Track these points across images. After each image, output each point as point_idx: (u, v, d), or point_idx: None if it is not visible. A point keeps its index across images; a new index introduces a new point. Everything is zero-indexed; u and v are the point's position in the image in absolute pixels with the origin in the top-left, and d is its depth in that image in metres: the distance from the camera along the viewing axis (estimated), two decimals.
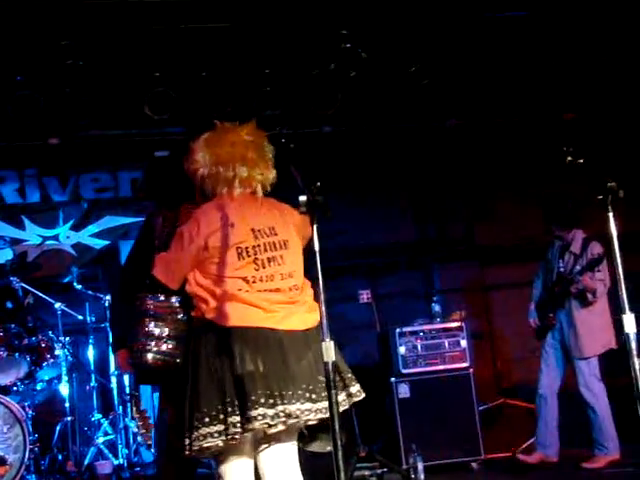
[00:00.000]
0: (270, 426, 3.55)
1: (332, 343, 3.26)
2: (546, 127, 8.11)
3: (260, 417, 3.50)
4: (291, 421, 3.58)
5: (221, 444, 3.57)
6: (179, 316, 3.86)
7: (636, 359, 3.32)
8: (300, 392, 3.59)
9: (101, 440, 6.96)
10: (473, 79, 7.61)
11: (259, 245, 3.78)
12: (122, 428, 6.96)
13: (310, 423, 3.71)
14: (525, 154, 8.39)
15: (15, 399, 6.49)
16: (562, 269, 6.60)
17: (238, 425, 3.53)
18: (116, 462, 6.81)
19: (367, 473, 6.46)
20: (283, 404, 3.54)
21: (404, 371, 6.99)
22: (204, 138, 3.95)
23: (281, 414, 3.53)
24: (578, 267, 6.48)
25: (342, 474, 3.14)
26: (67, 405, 6.93)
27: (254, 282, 3.72)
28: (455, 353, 7.05)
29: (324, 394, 3.58)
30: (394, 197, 8.54)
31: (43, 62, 6.93)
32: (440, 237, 8.67)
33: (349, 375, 3.86)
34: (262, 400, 3.52)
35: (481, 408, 7.02)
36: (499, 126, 8.27)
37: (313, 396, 3.63)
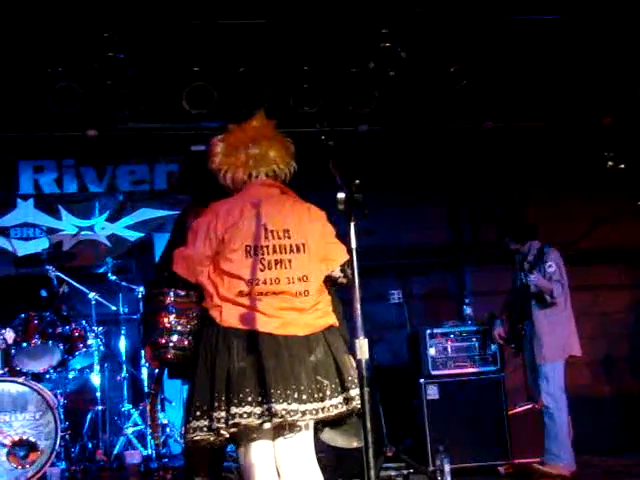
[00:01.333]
0: (261, 423, 3.58)
1: (366, 341, 3.25)
2: (584, 131, 8.05)
3: (246, 415, 3.55)
4: (276, 420, 3.58)
5: (212, 439, 3.63)
6: (196, 312, 3.89)
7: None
8: (289, 392, 3.59)
9: (130, 430, 7.00)
10: (511, 82, 7.57)
11: (267, 246, 3.79)
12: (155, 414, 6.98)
13: (299, 423, 3.72)
14: (562, 158, 8.34)
15: (48, 386, 6.57)
16: (522, 280, 6.56)
17: (222, 421, 3.57)
18: (145, 452, 6.84)
19: (393, 473, 6.46)
20: (270, 403, 3.55)
21: (434, 372, 6.99)
22: (219, 135, 4.03)
23: (266, 412, 3.56)
24: (534, 274, 6.44)
25: (372, 471, 3.14)
26: (98, 394, 6.98)
27: (257, 284, 3.73)
28: (485, 356, 7.03)
29: (317, 395, 3.65)
30: (428, 198, 8.52)
31: (84, 54, 6.99)
32: (474, 239, 8.63)
33: (350, 378, 3.80)
34: (249, 398, 3.56)
35: (510, 412, 6.99)
36: (536, 130, 8.22)
37: (303, 397, 3.63)
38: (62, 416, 6.41)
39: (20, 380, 6.35)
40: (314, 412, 3.65)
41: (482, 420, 6.87)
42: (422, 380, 6.97)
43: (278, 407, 3.56)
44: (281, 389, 3.59)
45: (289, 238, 3.84)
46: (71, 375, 7.00)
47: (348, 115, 7.55)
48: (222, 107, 7.35)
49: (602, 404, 8.00)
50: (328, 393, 3.70)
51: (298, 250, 3.84)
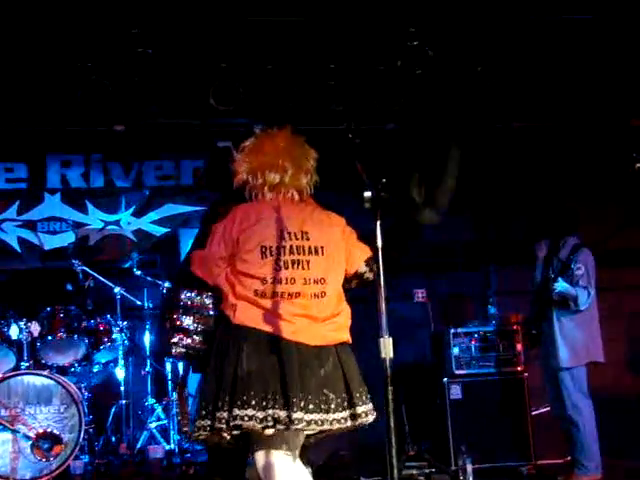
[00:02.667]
0: (264, 428, 3.57)
1: (390, 340, 3.26)
2: (613, 132, 8.00)
3: (247, 418, 3.54)
4: (279, 427, 3.58)
5: (216, 439, 3.67)
6: (210, 312, 3.92)
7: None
8: (295, 400, 3.58)
9: (154, 425, 7.03)
10: (539, 82, 7.53)
11: (285, 246, 3.79)
12: (175, 414, 7.01)
13: (307, 433, 3.74)
14: (589, 159, 8.29)
15: (72, 380, 6.63)
16: (547, 276, 6.46)
17: (223, 421, 3.57)
18: (168, 447, 6.87)
19: (415, 472, 6.46)
20: (275, 409, 3.55)
21: (457, 372, 6.97)
22: (243, 147, 4.04)
23: (269, 418, 3.55)
24: (563, 276, 6.35)
25: (395, 470, 3.15)
26: (122, 388, 7.01)
27: (272, 283, 3.73)
28: (509, 356, 7.00)
29: (323, 406, 3.65)
30: (454, 197, 8.48)
31: (113, 49, 7.02)
32: (498, 238, 8.59)
33: (358, 395, 3.81)
34: (253, 402, 3.56)
35: (533, 413, 6.96)
36: (563, 130, 8.17)
37: (310, 406, 3.62)
38: (86, 410, 6.47)
39: (45, 373, 6.41)
40: (319, 423, 3.65)
41: (505, 420, 6.85)
42: (445, 380, 6.95)
43: (282, 414, 3.56)
44: (288, 396, 3.58)
45: (307, 240, 3.86)
46: (95, 369, 7.05)
47: (375, 113, 7.54)
48: (249, 104, 7.37)
49: (627, 405, 7.93)
50: (333, 406, 3.70)
51: (316, 252, 3.85)
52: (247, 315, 3.71)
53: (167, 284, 7.10)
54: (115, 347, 7.01)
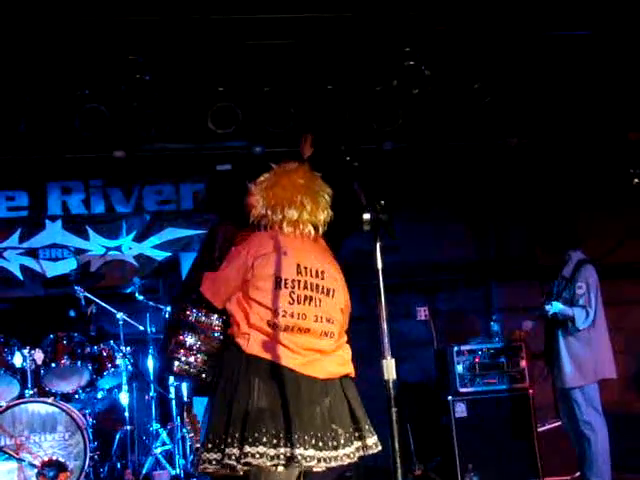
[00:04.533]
0: (274, 466, 3.57)
1: (393, 361, 3.25)
2: (610, 147, 8.02)
3: (258, 455, 3.53)
4: (292, 465, 3.58)
5: (222, 471, 3.63)
6: (216, 334, 3.92)
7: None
8: (307, 438, 3.59)
9: (159, 450, 7.00)
10: (536, 98, 7.55)
11: (300, 281, 3.82)
12: (180, 439, 6.98)
13: (315, 470, 3.72)
14: (588, 174, 8.30)
15: (76, 407, 6.62)
16: (549, 294, 6.50)
17: (233, 458, 3.56)
18: (173, 472, 6.84)
19: None
20: (286, 447, 3.55)
21: (461, 390, 6.96)
22: (260, 181, 4.06)
23: (281, 456, 3.54)
24: (566, 292, 6.36)
25: None
26: (126, 414, 6.99)
27: (284, 316, 3.74)
28: (514, 373, 6.99)
29: (331, 443, 3.66)
30: (454, 214, 8.50)
31: (111, 76, 7.06)
32: (500, 256, 8.60)
33: (367, 427, 3.84)
34: (264, 439, 3.55)
35: (540, 429, 6.94)
36: (561, 145, 8.19)
37: (320, 444, 3.63)
38: (91, 436, 6.44)
39: (49, 400, 6.39)
40: (328, 460, 3.65)
41: (511, 437, 6.83)
42: (450, 397, 6.94)
43: (296, 452, 3.55)
44: (300, 434, 3.58)
45: (322, 279, 3.89)
46: (100, 395, 7.04)
47: (372, 133, 7.56)
48: (247, 127, 7.39)
49: (633, 420, 7.91)
50: (342, 442, 3.71)
51: (328, 294, 3.89)
52: (259, 346, 3.71)
53: (169, 308, 7.11)
54: (119, 373, 7.00)
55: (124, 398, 7.00)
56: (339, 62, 7.16)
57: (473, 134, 7.82)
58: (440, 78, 7.30)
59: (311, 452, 3.58)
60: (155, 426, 7.13)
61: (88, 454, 6.23)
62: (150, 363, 7.28)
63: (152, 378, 7.26)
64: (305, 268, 3.85)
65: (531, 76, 7.45)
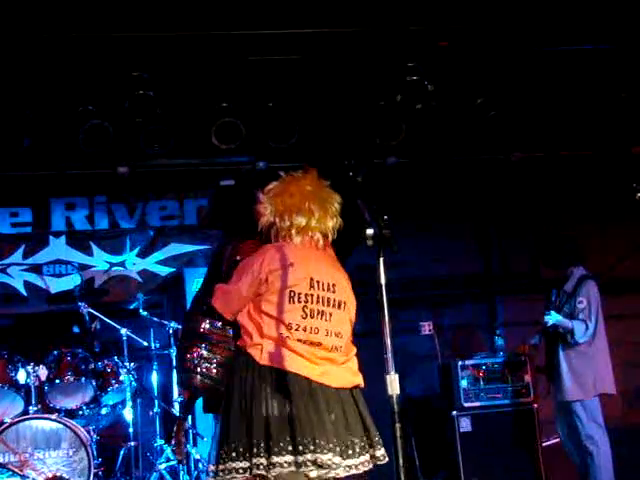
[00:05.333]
0: (302, 473, 3.56)
1: (397, 377, 3.25)
2: (614, 161, 8.02)
3: (286, 464, 3.53)
4: (321, 471, 3.59)
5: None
6: (231, 346, 3.91)
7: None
8: (331, 445, 3.59)
9: (163, 466, 6.96)
10: (539, 112, 7.57)
11: (312, 295, 3.82)
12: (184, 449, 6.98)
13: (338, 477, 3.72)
14: (592, 188, 8.30)
15: (80, 423, 6.60)
16: (549, 308, 6.50)
17: (262, 467, 3.55)
18: None
19: None
20: (314, 452, 3.55)
21: (466, 404, 6.95)
22: (268, 189, 4.05)
23: (309, 463, 3.55)
24: (567, 307, 6.37)
25: None
26: (131, 430, 6.96)
27: (297, 330, 3.75)
28: (518, 388, 6.98)
29: (350, 451, 3.66)
30: (458, 229, 8.50)
31: (114, 92, 7.08)
32: (504, 270, 8.60)
33: (377, 438, 3.84)
34: (290, 447, 3.55)
35: (544, 444, 6.92)
36: (565, 160, 8.20)
37: (341, 451, 3.64)
38: (95, 452, 6.43)
39: (53, 417, 6.39)
40: (347, 468, 3.67)
41: (516, 452, 6.83)
42: (454, 412, 6.93)
43: (324, 457, 3.56)
44: (323, 441, 3.59)
45: (334, 292, 3.89)
46: (104, 411, 7.01)
47: (376, 148, 7.57)
48: (251, 142, 7.41)
49: (635, 435, 7.88)
50: (357, 450, 3.72)
51: (339, 307, 3.89)
52: (274, 356, 3.71)
53: (173, 324, 7.11)
54: (123, 389, 6.98)
55: (128, 414, 6.99)
56: (342, 77, 7.19)
57: (476, 149, 7.83)
58: (443, 93, 7.32)
59: (337, 459, 3.60)
60: (159, 442, 7.10)
61: (92, 470, 6.22)
62: (154, 379, 7.27)
63: (156, 394, 7.25)
64: (318, 282, 3.85)
65: (534, 91, 7.47)
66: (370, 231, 3.23)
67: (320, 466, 3.57)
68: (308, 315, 3.78)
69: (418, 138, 7.58)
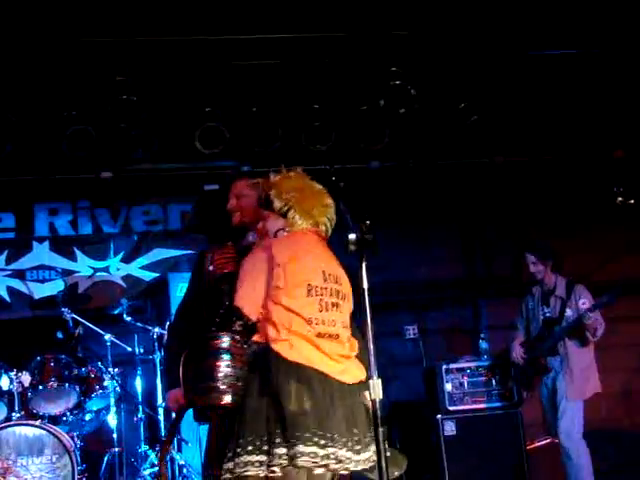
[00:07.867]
0: (318, 466, 3.56)
1: (379, 381, 3.26)
2: (595, 165, 8.06)
3: (312, 454, 3.51)
4: (336, 466, 3.59)
5: (262, 474, 3.56)
6: (245, 356, 3.80)
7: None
8: (344, 440, 3.61)
9: (147, 472, 6.94)
10: (521, 116, 7.60)
11: (326, 288, 3.82)
12: (168, 460, 6.95)
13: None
14: (573, 191, 8.34)
15: (64, 429, 6.56)
16: (549, 314, 6.53)
17: (284, 457, 3.52)
18: None
19: None
20: (334, 447, 3.55)
21: (450, 408, 6.96)
22: (274, 182, 4.01)
23: (331, 456, 3.55)
24: (569, 310, 6.39)
25: None
26: (115, 436, 6.93)
27: (316, 324, 3.74)
28: (503, 391, 7.00)
29: (358, 447, 3.66)
30: (441, 233, 8.53)
31: (97, 97, 7.07)
32: (488, 274, 8.62)
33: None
34: (315, 439, 3.53)
35: (529, 447, 6.94)
36: (547, 163, 8.23)
37: (355, 447, 3.65)
38: (79, 459, 6.38)
39: (36, 423, 6.34)
40: (362, 462, 3.68)
41: (501, 455, 6.83)
42: (439, 416, 6.94)
43: (340, 453, 3.57)
44: (347, 437, 3.61)
45: (341, 285, 3.90)
46: (87, 417, 6.98)
47: (359, 152, 7.59)
48: (235, 146, 7.41)
49: (621, 438, 7.92)
50: (364, 446, 3.72)
51: (344, 299, 3.90)
52: (301, 352, 3.68)
53: (157, 329, 7.09)
54: (107, 394, 6.94)
55: (112, 420, 6.95)
56: (325, 82, 7.20)
57: (459, 153, 7.87)
58: (426, 97, 7.35)
59: (349, 454, 3.61)
60: (143, 448, 7.09)
61: (76, 477, 6.17)
62: (138, 384, 7.25)
63: (140, 399, 7.23)
64: (329, 275, 3.86)
65: (516, 95, 7.50)
66: (352, 236, 3.24)
67: (340, 461, 3.58)
68: (324, 308, 3.78)
69: (401, 142, 7.60)
